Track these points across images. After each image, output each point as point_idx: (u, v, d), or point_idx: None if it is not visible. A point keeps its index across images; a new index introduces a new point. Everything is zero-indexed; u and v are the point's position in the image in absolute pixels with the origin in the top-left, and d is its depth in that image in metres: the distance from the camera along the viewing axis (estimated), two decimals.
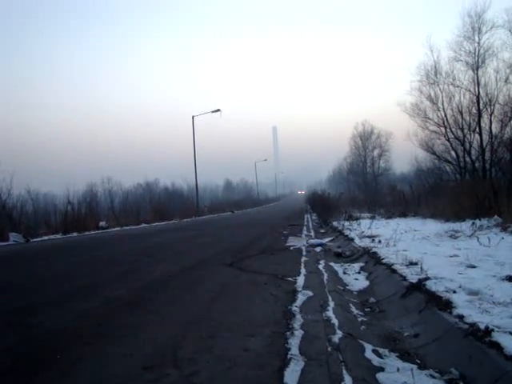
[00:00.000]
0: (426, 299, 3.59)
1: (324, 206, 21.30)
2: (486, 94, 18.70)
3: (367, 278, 5.56)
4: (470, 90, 19.22)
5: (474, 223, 9.31)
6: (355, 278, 5.67)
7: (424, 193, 18.57)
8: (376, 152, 47.53)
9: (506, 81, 18.20)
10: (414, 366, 2.61)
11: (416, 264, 4.98)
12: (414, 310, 3.63)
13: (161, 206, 27.34)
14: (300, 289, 4.69)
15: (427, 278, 4.15)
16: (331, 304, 4.02)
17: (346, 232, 10.71)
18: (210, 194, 76.71)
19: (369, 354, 2.79)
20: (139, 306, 4.18)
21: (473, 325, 2.75)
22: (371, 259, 6.30)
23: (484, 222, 9.56)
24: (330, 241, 10.20)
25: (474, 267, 4.73)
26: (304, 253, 7.98)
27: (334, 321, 3.45)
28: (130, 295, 4.67)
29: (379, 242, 7.85)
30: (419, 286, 3.97)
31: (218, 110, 32.80)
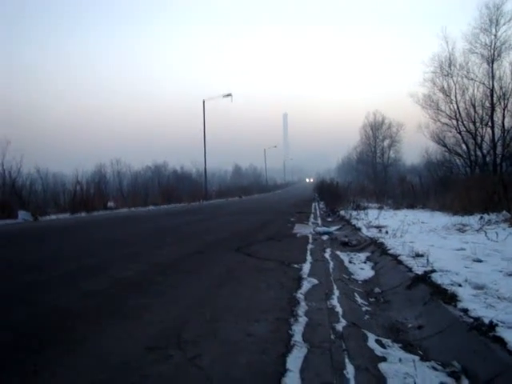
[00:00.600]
0: (431, 291, 3.58)
1: (332, 195, 21.26)
2: (501, 88, 18.47)
3: (373, 268, 5.55)
4: (483, 83, 18.98)
5: (482, 217, 9.25)
6: (361, 268, 5.66)
7: (433, 185, 18.47)
8: (386, 142, 47.28)
9: None
10: (417, 358, 2.61)
11: (422, 256, 4.97)
12: (418, 302, 3.62)
13: (169, 188, 27.50)
14: (305, 276, 4.70)
15: (433, 271, 4.14)
16: (336, 292, 4.03)
17: (354, 221, 10.69)
18: (218, 178, 76.76)
19: (372, 343, 2.79)
20: (145, 287, 4.21)
21: (477, 319, 2.74)
22: (377, 249, 6.29)
23: (492, 216, 9.49)
24: (337, 229, 10.19)
25: (480, 261, 4.71)
26: (310, 240, 7.98)
27: (339, 309, 3.45)
28: (136, 277, 4.71)
29: (386, 232, 7.83)
30: (425, 278, 3.96)
31: (230, 95, 32.76)
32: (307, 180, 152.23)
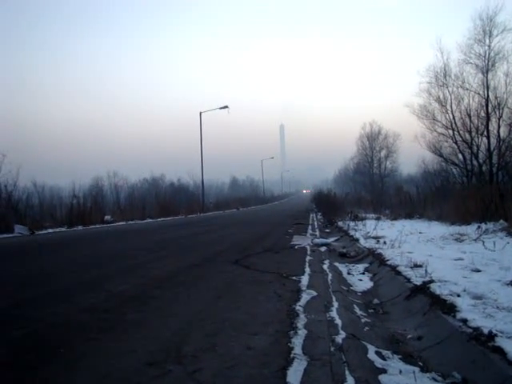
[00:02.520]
0: (430, 302, 3.59)
1: (329, 206, 21.30)
2: (495, 98, 18.59)
3: (371, 279, 5.57)
4: (479, 93, 19.12)
5: (479, 227, 9.28)
6: (359, 279, 5.69)
7: (430, 195, 18.51)
8: (383, 153, 47.37)
9: None
10: (417, 369, 2.61)
11: (421, 266, 4.99)
12: (417, 313, 3.63)
13: (166, 201, 27.43)
14: (304, 288, 4.70)
15: (432, 281, 4.15)
16: (335, 304, 4.03)
17: (351, 232, 10.71)
18: (215, 190, 76.89)
19: (372, 355, 2.80)
20: (143, 301, 4.20)
21: (476, 329, 2.76)
22: (376, 260, 6.31)
23: (490, 225, 9.53)
24: (335, 241, 10.21)
25: (478, 271, 4.73)
26: (309, 252, 7.98)
27: (338, 321, 3.45)
28: (134, 291, 4.69)
29: (384, 243, 7.84)
30: (423, 289, 3.98)
31: (226, 107, 32.79)
32: (304, 191, 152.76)
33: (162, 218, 22.52)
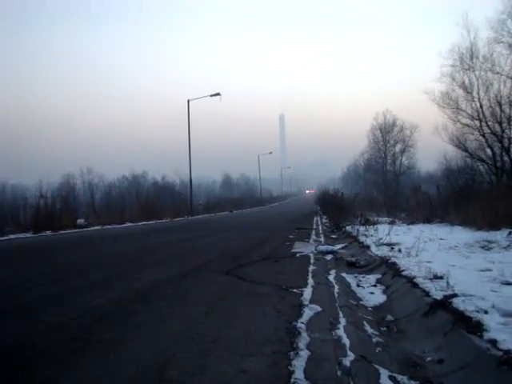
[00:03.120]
0: (452, 319, 3.57)
1: (336, 208, 21.19)
2: None
3: (384, 293, 5.55)
4: (511, 78, 18.93)
5: (510, 233, 9.28)
6: (370, 292, 5.67)
7: (453, 196, 18.46)
8: (398, 147, 47.35)
9: None
10: None
11: (441, 278, 4.95)
12: (438, 332, 3.61)
13: (149, 202, 27.45)
14: (307, 302, 4.68)
15: (454, 295, 4.13)
16: (342, 321, 4.02)
17: (361, 238, 10.68)
18: (205, 190, 77.07)
19: (384, 380, 2.78)
20: (121, 318, 4.18)
21: (508, 352, 2.73)
22: (389, 270, 6.29)
23: None
24: (343, 248, 10.20)
25: (509, 284, 4.70)
26: (312, 261, 7.99)
27: (345, 341, 3.44)
28: (110, 306, 4.67)
29: (399, 250, 7.82)
30: (445, 304, 3.95)
31: (218, 94, 32.72)
32: (307, 192, 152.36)
33: (144, 222, 22.53)
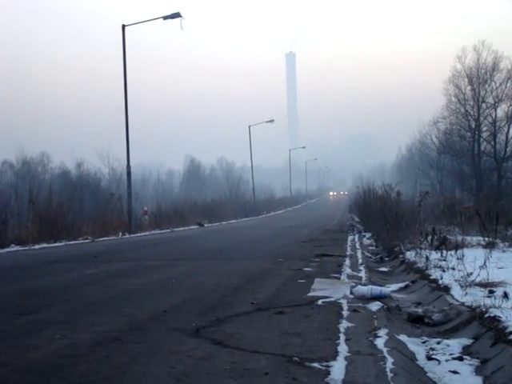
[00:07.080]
0: None
1: (388, 219, 15.89)
2: None
3: (478, 372, 3.99)
4: None
5: None
6: (452, 371, 4.09)
7: None
8: (503, 109, 29.39)
9: None
10: None
11: None
12: None
13: (53, 209, 18.33)
14: None
15: None
16: None
17: (434, 273, 8.23)
18: (155, 186, 54.71)
19: None
20: None
21: None
22: (487, 332, 4.62)
23: None
24: (400, 290, 7.97)
25: None
26: (346, 313, 5.70)
27: None
28: None
29: (505, 296, 5.80)
30: None
31: (178, 16, 22.39)
32: (331, 194, 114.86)
33: (44, 245, 15.96)
